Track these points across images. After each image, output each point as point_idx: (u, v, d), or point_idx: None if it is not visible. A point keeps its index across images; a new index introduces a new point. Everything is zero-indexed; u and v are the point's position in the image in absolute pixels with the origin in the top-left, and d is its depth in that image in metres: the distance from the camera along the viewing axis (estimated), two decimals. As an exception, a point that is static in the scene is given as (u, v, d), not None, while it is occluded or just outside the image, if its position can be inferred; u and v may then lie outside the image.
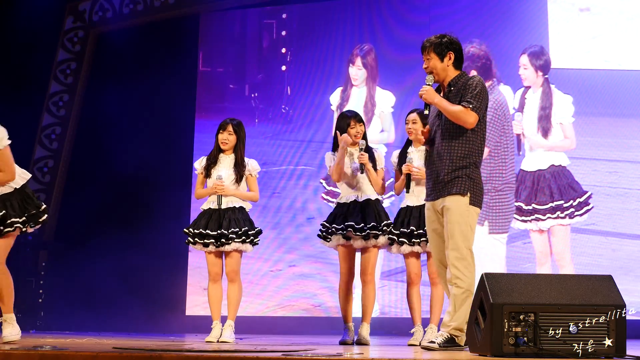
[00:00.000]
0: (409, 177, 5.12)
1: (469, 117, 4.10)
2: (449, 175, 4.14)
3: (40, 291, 8.07)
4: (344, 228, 5.25)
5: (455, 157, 4.15)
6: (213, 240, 5.23)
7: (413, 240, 5.15)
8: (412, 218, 5.19)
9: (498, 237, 7.28)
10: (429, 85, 4.23)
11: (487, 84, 7.27)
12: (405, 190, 5.14)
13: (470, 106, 4.11)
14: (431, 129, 4.34)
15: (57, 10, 9.12)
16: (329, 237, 5.36)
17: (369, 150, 5.38)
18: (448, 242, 4.11)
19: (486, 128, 4.28)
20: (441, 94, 4.27)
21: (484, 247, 7.15)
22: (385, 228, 5.23)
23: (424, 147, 5.22)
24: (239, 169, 5.33)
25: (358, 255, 5.42)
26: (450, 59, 4.24)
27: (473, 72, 7.28)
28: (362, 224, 5.21)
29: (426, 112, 4.30)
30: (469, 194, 4.12)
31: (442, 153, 4.19)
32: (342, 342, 5.24)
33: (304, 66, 8.44)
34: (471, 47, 7.50)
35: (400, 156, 5.34)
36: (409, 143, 5.35)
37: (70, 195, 8.86)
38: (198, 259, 8.03)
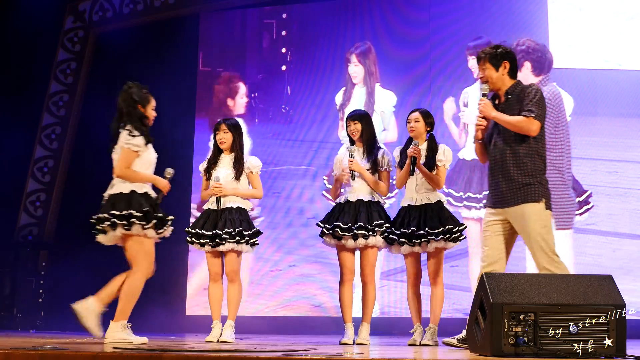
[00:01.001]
0: (414, 160, 5.12)
1: (532, 126, 4.21)
2: (521, 182, 4.23)
3: (40, 291, 8.05)
4: (332, 228, 5.27)
5: (524, 165, 4.24)
6: (208, 240, 5.24)
7: (413, 240, 5.15)
8: (412, 218, 5.19)
9: (564, 233, 7.14)
10: (484, 95, 4.36)
11: (541, 77, 7.27)
12: (410, 174, 5.14)
13: (532, 115, 4.21)
14: (489, 138, 4.41)
15: (57, 10, 9.11)
16: (322, 237, 5.40)
17: (371, 151, 5.38)
18: (533, 251, 4.23)
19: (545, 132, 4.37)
20: (498, 102, 4.38)
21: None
22: (377, 229, 5.21)
23: (425, 145, 5.26)
24: (238, 166, 5.34)
25: (358, 255, 5.42)
26: (505, 68, 4.37)
27: (527, 64, 7.29)
28: (350, 224, 5.22)
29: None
30: (543, 200, 4.23)
31: (507, 161, 4.27)
32: (342, 342, 5.23)
33: (304, 66, 8.44)
34: (527, 40, 7.45)
35: (401, 154, 5.35)
36: (410, 141, 5.35)
37: (70, 195, 8.84)
38: (198, 259, 8.02)
